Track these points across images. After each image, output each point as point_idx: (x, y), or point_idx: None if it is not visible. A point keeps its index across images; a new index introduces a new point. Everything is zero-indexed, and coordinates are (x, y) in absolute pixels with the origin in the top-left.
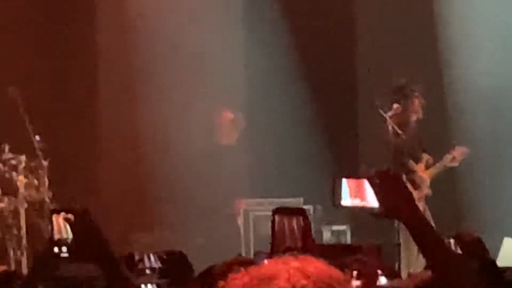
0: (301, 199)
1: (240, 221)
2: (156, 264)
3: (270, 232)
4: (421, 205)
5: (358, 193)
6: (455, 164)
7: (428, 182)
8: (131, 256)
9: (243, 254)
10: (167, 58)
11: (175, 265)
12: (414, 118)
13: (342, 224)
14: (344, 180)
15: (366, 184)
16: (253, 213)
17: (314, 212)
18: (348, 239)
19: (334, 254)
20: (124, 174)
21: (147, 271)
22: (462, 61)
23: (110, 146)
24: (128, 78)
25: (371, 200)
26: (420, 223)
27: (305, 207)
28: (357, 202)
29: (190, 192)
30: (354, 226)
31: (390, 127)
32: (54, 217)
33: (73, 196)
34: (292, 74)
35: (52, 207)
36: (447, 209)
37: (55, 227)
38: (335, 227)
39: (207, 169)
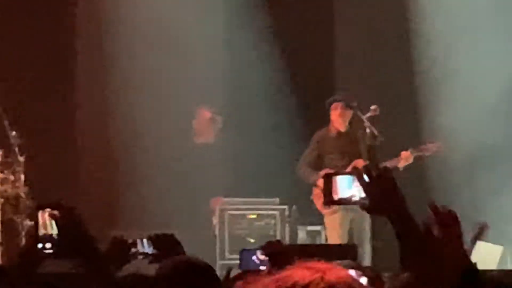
0: (277, 199)
1: (216, 220)
2: (149, 249)
3: (245, 231)
4: None
5: (348, 189)
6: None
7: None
8: (124, 241)
9: (218, 253)
10: (145, 57)
11: (167, 248)
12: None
13: (317, 224)
14: (335, 178)
15: (355, 181)
16: (229, 212)
17: (289, 212)
18: (322, 240)
19: (311, 254)
20: (100, 171)
21: (140, 257)
22: (437, 60)
23: (86, 142)
24: (105, 76)
25: (360, 195)
26: (407, 221)
27: (281, 207)
28: (347, 198)
29: (166, 190)
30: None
31: (367, 129)
32: (39, 213)
33: (49, 192)
34: (270, 74)
35: (28, 202)
36: (415, 209)
37: (40, 223)
38: (310, 228)
39: (183, 168)
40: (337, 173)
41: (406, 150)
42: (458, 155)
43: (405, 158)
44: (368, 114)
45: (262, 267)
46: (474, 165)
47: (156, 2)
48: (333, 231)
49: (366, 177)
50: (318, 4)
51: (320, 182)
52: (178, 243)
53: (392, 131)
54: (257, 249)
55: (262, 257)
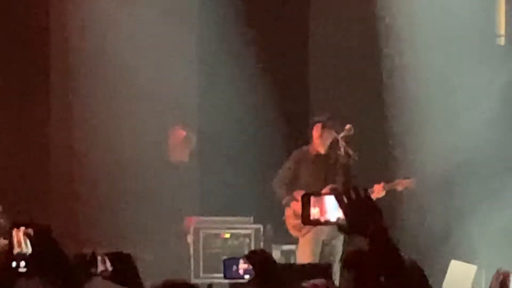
0: (251, 218)
1: (190, 238)
2: (108, 267)
3: (219, 250)
4: None
5: (325, 210)
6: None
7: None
8: (83, 255)
9: (192, 272)
10: (120, 74)
11: (123, 267)
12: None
13: (292, 243)
14: (311, 198)
15: (333, 201)
16: (204, 231)
17: (264, 231)
18: (297, 259)
19: (287, 274)
20: (73, 189)
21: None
22: (411, 83)
23: (60, 160)
24: (80, 93)
25: (338, 216)
26: (385, 241)
27: (255, 226)
28: (324, 219)
29: (140, 208)
30: None
31: (342, 148)
32: (14, 231)
33: (22, 210)
34: (245, 93)
35: (1, 221)
36: (392, 232)
37: (15, 241)
38: (284, 247)
39: (157, 186)
40: (315, 193)
41: (379, 183)
42: (433, 177)
43: (377, 191)
44: (342, 134)
45: (246, 276)
46: (448, 185)
47: (130, 19)
48: (304, 250)
49: (345, 199)
50: (294, 22)
51: (293, 204)
52: (133, 264)
53: (365, 160)
54: (239, 258)
55: (245, 266)
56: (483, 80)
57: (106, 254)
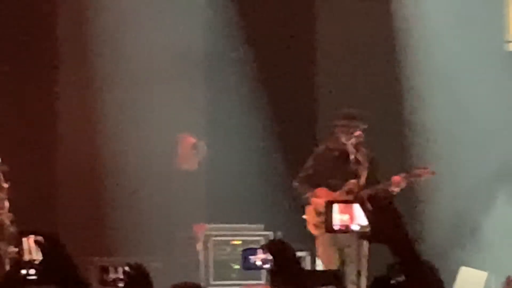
0: (262, 226)
1: (200, 246)
2: (120, 276)
3: (228, 257)
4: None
5: (349, 217)
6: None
7: None
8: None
9: (202, 279)
10: (130, 82)
11: (135, 277)
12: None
13: (302, 250)
14: (335, 205)
15: (357, 208)
16: (213, 239)
17: (274, 238)
18: (308, 265)
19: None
20: (82, 198)
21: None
22: (423, 84)
23: (69, 169)
24: (88, 102)
25: (362, 224)
26: (408, 250)
27: (265, 233)
28: (347, 226)
29: (149, 216)
30: (314, 252)
31: (352, 155)
32: (23, 239)
33: (32, 219)
34: (253, 101)
35: (11, 229)
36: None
37: (25, 249)
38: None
39: (167, 194)
40: (337, 200)
41: (397, 174)
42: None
43: (396, 183)
44: (352, 140)
45: (265, 266)
46: (460, 188)
47: (139, 28)
48: (323, 251)
49: (369, 206)
50: (300, 30)
51: (314, 201)
52: (146, 272)
53: (380, 153)
54: (257, 248)
55: (264, 256)
56: (491, 86)
57: (118, 263)
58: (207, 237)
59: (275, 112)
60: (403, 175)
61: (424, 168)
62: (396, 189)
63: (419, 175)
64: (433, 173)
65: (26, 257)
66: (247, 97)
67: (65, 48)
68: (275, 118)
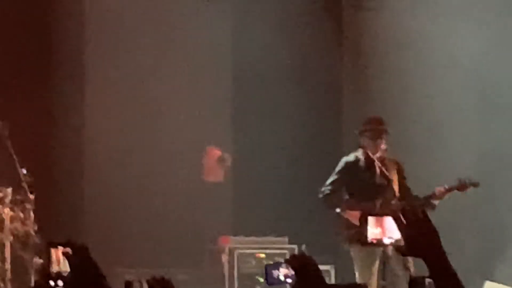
0: (286, 239)
1: (225, 258)
2: None
3: (254, 270)
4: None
5: (384, 231)
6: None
7: None
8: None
9: None
10: (154, 96)
11: None
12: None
13: (327, 264)
14: (370, 218)
15: (391, 222)
16: (238, 251)
17: (299, 251)
18: (332, 279)
19: None
20: (109, 210)
21: None
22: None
23: (95, 181)
24: (115, 114)
25: (396, 238)
26: (443, 264)
27: (290, 246)
28: (382, 240)
29: (175, 228)
30: (338, 266)
31: (377, 168)
32: (52, 250)
33: (60, 230)
34: (279, 112)
35: (37, 240)
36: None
37: (53, 260)
38: (319, 267)
39: (192, 206)
40: (372, 214)
41: (440, 186)
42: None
43: (440, 195)
44: (378, 155)
45: (288, 281)
46: (485, 203)
47: (171, 38)
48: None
49: (403, 220)
50: (328, 39)
51: (349, 215)
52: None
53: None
54: (280, 263)
55: (287, 271)
56: None
57: (144, 275)
58: (232, 250)
59: (302, 124)
60: (446, 186)
61: (468, 180)
62: (437, 201)
63: (464, 188)
64: (476, 185)
65: (54, 268)
66: (275, 109)
67: (92, 68)
68: (302, 129)
